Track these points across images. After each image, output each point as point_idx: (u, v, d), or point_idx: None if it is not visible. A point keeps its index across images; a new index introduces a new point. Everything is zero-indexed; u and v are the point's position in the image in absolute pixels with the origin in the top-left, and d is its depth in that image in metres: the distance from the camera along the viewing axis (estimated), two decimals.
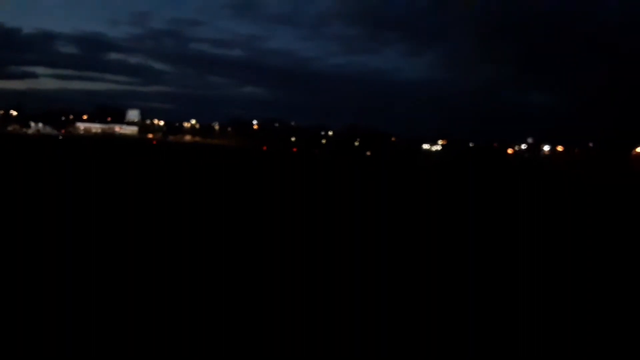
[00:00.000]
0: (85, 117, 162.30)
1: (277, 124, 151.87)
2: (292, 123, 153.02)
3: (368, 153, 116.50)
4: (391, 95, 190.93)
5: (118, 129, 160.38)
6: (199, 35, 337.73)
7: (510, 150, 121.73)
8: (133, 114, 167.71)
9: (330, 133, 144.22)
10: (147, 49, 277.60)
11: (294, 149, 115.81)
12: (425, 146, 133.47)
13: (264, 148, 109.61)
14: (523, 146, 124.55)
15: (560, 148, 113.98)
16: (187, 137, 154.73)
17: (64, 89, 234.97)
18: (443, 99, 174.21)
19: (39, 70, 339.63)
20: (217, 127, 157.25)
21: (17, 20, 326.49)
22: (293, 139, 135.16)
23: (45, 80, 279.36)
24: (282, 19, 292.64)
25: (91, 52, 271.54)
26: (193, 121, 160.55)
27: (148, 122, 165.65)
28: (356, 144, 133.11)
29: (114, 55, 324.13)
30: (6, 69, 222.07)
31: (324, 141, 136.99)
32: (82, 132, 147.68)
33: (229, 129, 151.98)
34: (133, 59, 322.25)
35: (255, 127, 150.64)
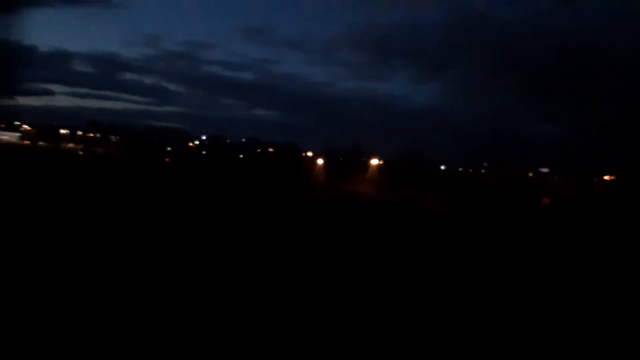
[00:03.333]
0: None
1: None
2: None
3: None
4: (400, 121, 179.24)
5: None
6: (211, 58, 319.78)
7: None
8: None
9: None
10: (161, 70, 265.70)
11: (167, 159, 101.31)
12: None
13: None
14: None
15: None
16: (70, 145, 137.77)
17: (80, 106, 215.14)
18: (451, 125, 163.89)
19: (56, 87, 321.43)
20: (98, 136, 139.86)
21: (33, 39, 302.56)
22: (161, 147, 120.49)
23: (61, 98, 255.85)
24: (292, 44, 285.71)
25: (106, 72, 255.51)
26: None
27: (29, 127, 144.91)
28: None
29: (128, 75, 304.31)
30: (23, 86, 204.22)
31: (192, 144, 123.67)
32: None
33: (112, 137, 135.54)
34: (147, 80, 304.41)
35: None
